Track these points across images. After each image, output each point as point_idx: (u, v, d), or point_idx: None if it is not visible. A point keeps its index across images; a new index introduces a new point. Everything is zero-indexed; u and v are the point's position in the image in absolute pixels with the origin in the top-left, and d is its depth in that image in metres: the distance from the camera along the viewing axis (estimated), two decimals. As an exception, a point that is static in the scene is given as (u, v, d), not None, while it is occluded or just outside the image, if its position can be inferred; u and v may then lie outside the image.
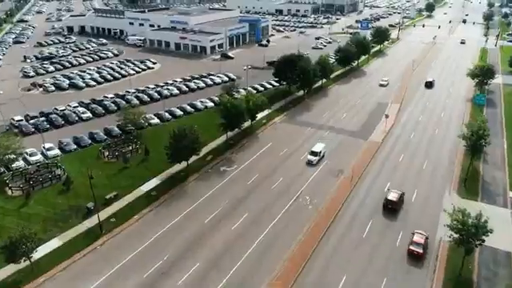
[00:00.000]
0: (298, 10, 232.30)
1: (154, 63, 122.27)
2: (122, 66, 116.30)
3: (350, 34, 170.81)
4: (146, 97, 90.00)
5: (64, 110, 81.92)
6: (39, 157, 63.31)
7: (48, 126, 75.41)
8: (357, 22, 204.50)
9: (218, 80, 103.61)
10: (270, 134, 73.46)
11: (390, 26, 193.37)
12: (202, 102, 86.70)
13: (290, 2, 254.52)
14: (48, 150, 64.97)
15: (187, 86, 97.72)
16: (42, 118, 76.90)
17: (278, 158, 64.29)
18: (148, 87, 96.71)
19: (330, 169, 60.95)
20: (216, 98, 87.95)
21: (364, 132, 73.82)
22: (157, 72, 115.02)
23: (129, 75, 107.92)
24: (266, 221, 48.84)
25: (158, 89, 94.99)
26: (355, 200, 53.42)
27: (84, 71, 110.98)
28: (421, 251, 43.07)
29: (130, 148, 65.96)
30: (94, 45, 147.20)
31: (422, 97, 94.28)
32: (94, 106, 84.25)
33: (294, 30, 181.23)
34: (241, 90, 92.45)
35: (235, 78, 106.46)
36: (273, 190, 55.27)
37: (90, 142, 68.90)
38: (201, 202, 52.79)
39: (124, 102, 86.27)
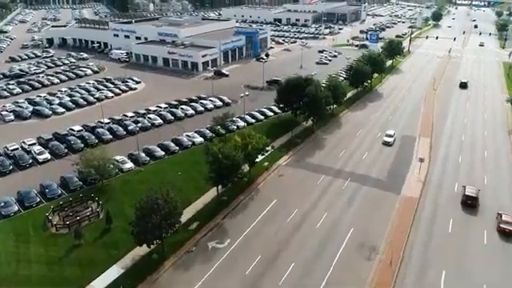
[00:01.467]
0: (297, 20, 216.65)
1: (138, 82, 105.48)
2: (100, 87, 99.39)
3: (356, 46, 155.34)
4: (121, 129, 73.07)
5: (16, 149, 64.91)
6: (-35, 225, 46.41)
7: (-10, 173, 58.60)
8: (361, 32, 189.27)
9: (209, 105, 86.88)
10: (274, 185, 56.64)
11: (398, 36, 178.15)
12: (188, 137, 69.84)
13: (288, 10, 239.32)
14: (-21, 214, 48.07)
15: (173, 114, 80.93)
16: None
17: (286, 225, 47.40)
18: (125, 116, 79.73)
19: (358, 244, 44.14)
20: (207, 132, 71.39)
21: (394, 181, 57.19)
22: (140, 94, 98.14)
23: (105, 98, 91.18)
24: None
25: (138, 119, 78.05)
26: (401, 303, 36.71)
27: (54, 94, 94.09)
28: None
29: (89, 211, 48.98)
30: (73, 60, 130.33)
31: (453, 126, 77.89)
32: (54, 143, 67.17)
33: (295, 42, 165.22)
34: (237, 120, 76.01)
35: (230, 101, 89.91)
36: (282, 287, 38.46)
37: (38, 199, 51.91)
38: (178, 311, 35.92)
39: (93, 137, 69.45)
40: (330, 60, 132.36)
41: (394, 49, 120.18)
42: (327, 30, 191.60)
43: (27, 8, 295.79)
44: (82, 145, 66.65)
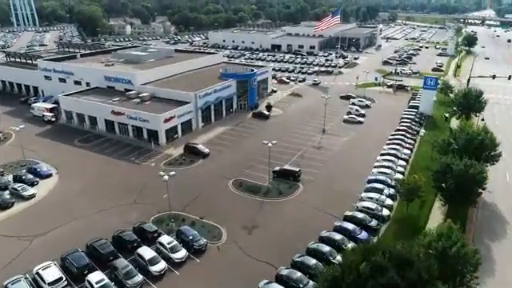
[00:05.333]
0: (300, 46, 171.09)
1: (46, 177, 57.59)
2: (-38, 197, 51.15)
3: (390, 86, 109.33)
4: None
5: None
6: None
7: None
8: (385, 63, 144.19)
9: (156, 267, 38.57)
10: None
11: (435, 70, 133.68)
12: None
13: (289, 34, 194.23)
14: None
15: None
16: None
17: None
18: None
19: None
20: None
21: None
22: (35, 212, 49.75)
23: None
24: None
25: None
26: None
27: None
28: None
29: None
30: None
31: None
32: None
33: (304, 81, 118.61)
34: None
35: (201, 245, 41.86)
36: None
37: None
38: None
39: None
40: (362, 115, 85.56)
41: (473, 104, 73.71)
42: (341, 61, 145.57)
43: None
44: None
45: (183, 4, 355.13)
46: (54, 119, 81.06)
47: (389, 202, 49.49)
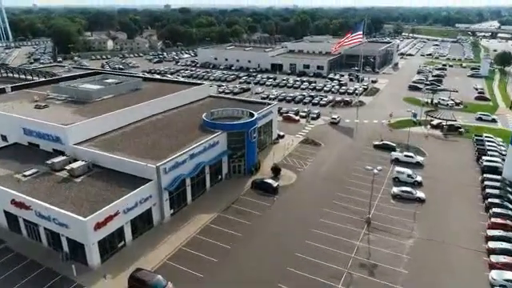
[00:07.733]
0: (306, 66, 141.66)
1: None
2: None
3: (437, 126, 79.80)
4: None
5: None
6: None
7: None
8: (410, 88, 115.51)
9: None
10: None
11: (478, 98, 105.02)
12: None
13: (291, 51, 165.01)
14: None
15: None
16: None
17: None
18: None
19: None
20: None
21: None
22: None
23: None
24: None
25: None
26: None
27: None
28: None
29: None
30: None
31: None
32: None
33: (318, 117, 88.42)
34: None
35: None
36: None
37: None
38: None
39: None
40: (419, 183, 55.42)
41: None
42: (359, 86, 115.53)
43: None
44: None
45: (174, 16, 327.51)
46: None
47: None
